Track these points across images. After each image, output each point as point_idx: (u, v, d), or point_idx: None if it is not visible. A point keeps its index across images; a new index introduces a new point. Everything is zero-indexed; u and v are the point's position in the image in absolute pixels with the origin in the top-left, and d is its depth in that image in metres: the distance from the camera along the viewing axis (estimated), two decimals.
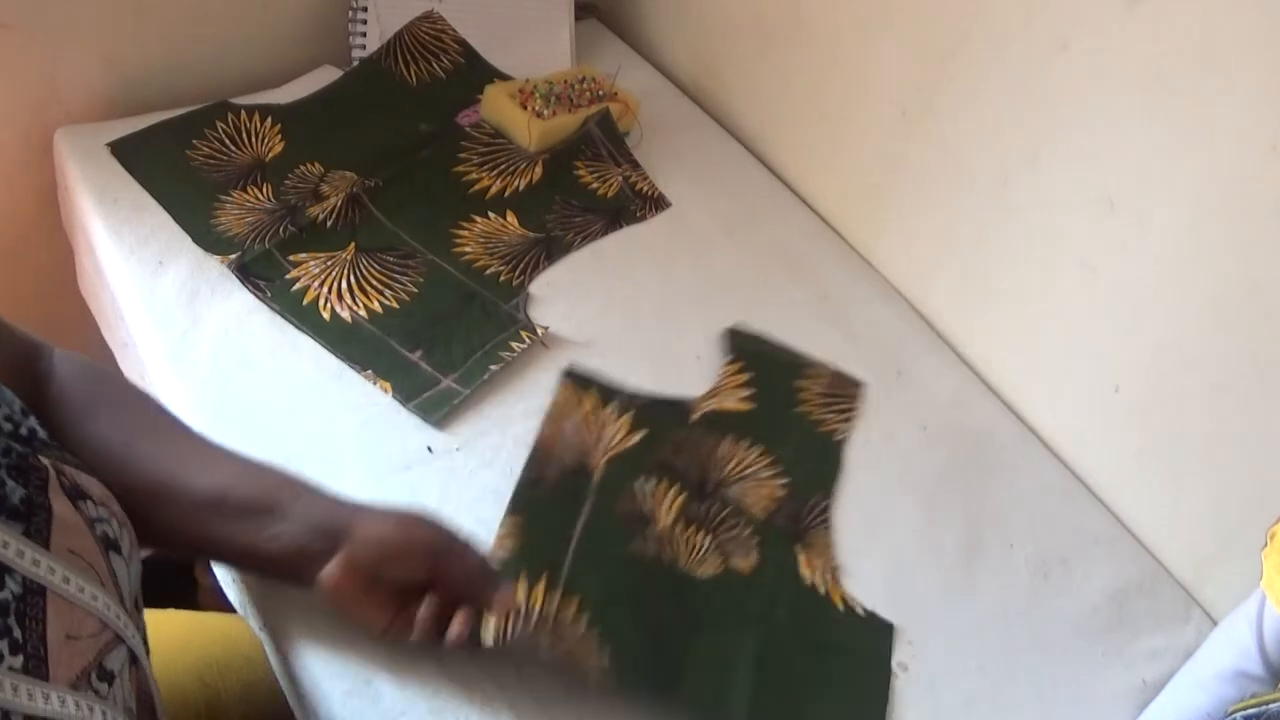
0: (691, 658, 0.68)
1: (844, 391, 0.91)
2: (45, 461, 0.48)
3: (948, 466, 0.88)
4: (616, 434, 0.80)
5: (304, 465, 0.75)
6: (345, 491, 0.75)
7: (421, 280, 0.90)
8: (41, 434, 0.50)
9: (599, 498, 0.75)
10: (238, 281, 0.86)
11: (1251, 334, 0.74)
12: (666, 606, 0.71)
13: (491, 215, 0.98)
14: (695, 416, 0.83)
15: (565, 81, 1.09)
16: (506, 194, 1.01)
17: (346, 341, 0.84)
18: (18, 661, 0.42)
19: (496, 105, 1.06)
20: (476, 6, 1.09)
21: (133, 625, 0.51)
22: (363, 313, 0.86)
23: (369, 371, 0.81)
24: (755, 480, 0.81)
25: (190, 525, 0.60)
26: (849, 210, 1.07)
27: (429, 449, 0.77)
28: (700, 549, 0.75)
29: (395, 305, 0.87)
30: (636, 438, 0.80)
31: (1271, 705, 0.59)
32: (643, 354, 0.89)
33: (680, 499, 0.77)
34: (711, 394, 0.85)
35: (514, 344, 0.85)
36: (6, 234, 1.03)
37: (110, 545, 0.50)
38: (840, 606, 0.75)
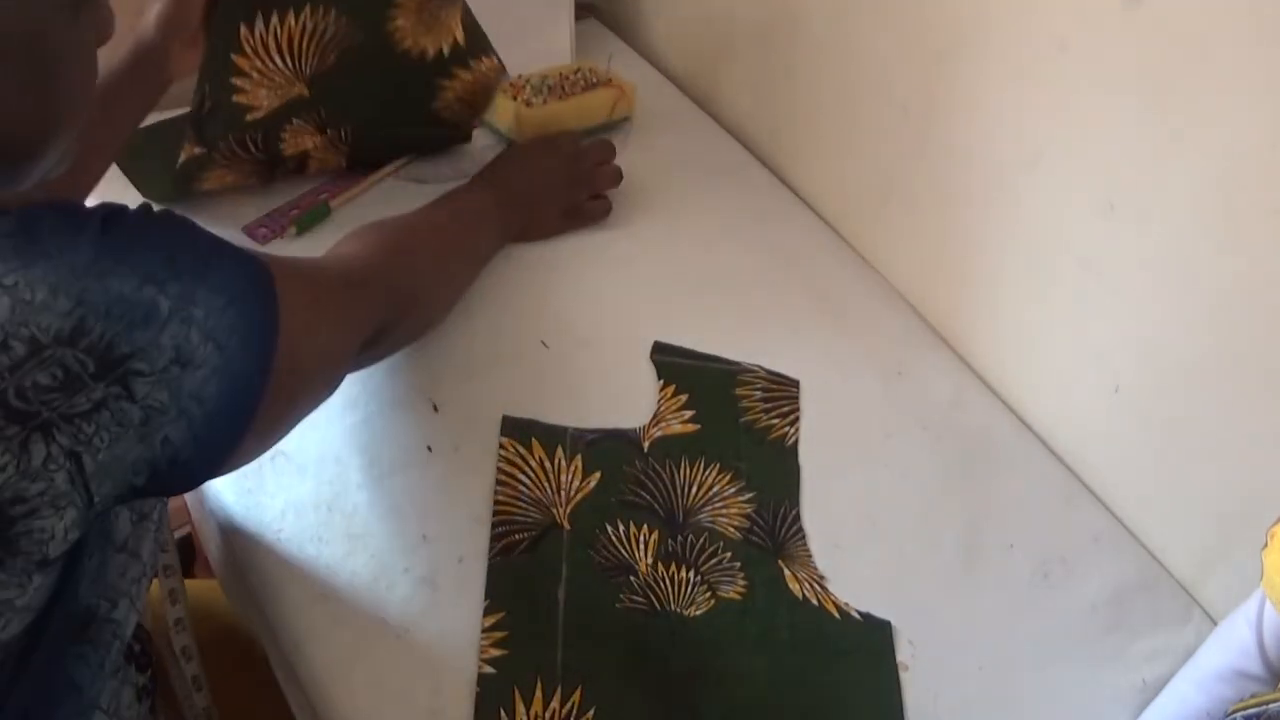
0: (706, 705, 0.68)
1: (783, 392, 0.89)
2: None
3: (947, 466, 0.88)
4: (573, 481, 0.78)
5: (303, 464, 0.75)
6: (344, 492, 0.75)
7: None
8: None
9: (574, 556, 0.73)
10: None
11: (1251, 334, 0.74)
12: (669, 655, 0.70)
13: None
14: (646, 446, 0.82)
15: (560, 74, 1.09)
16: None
17: None
18: None
19: None
20: (476, 6, 1.09)
21: None
22: None
23: None
24: (722, 500, 0.80)
25: None
26: (849, 210, 1.07)
27: (429, 449, 0.77)
28: (687, 586, 0.74)
29: None
30: (594, 481, 0.78)
31: (1271, 705, 0.59)
32: (642, 354, 0.89)
33: (654, 537, 0.76)
34: (655, 421, 0.84)
35: None
36: None
37: None
38: (836, 615, 0.75)
